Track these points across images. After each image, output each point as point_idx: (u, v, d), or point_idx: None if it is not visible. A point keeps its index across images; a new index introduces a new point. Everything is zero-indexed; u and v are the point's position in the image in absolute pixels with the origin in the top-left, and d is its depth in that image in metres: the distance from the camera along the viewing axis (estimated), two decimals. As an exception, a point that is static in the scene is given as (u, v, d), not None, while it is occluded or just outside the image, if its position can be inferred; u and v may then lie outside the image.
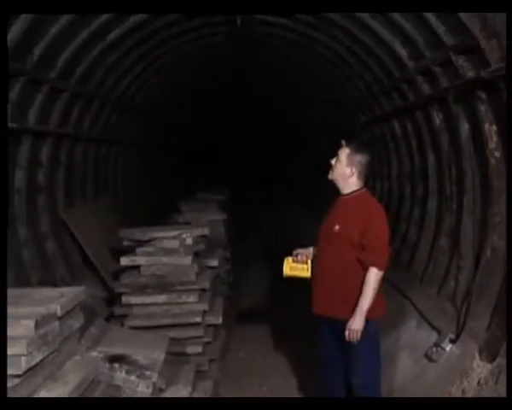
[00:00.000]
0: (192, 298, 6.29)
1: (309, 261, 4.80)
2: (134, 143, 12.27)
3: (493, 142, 5.33)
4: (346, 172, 4.57)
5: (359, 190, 4.63)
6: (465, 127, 5.96)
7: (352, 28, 7.37)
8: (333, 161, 4.64)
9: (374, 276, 4.34)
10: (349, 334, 4.40)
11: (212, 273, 6.96)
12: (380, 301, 4.53)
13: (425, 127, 7.17)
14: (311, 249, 4.90)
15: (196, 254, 6.69)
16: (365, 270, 4.38)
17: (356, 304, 4.40)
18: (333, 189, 4.87)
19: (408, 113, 7.74)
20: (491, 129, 5.33)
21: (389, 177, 9.32)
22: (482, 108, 5.38)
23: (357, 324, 4.36)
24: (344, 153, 4.59)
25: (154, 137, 14.23)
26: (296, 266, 4.75)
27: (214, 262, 7.13)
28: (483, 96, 5.34)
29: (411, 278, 7.22)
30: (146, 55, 8.99)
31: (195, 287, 6.37)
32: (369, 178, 10.66)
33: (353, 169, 4.58)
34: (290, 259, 4.81)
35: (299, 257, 4.83)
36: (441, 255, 6.61)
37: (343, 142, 4.68)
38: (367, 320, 4.42)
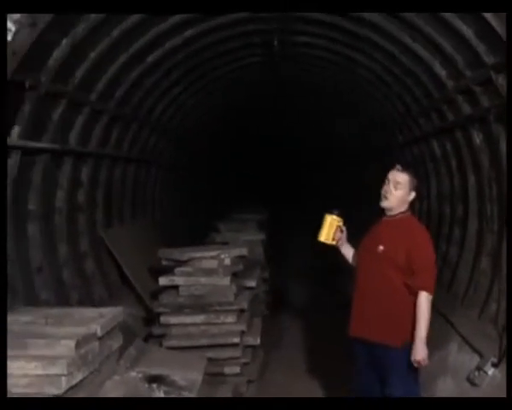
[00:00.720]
0: (230, 319, 6.28)
1: (333, 239, 4.83)
2: (172, 165, 12.38)
3: (535, 161, 5.25)
4: (409, 198, 4.50)
5: (405, 212, 4.52)
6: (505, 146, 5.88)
7: (392, 48, 7.35)
8: (390, 188, 4.45)
9: (425, 300, 4.21)
10: (417, 364, 4.28)
11: (251, 294, 6.94)
12: None
13: (465, 147, 7.09)
14: (351, 250, 4.90)
15: (234, 275, 6.68)
16: (412, 295, 4.27)
17: (398, 328, 4.31)
18: (373, 210, 4.81)
19: (447, 133, 7.67)
20: (533, 148, 5.25)
21: (428, 197, 9.22)
22: (524, 127, 5.30)
23: (420, 353, 4.22)
24: (404, 179, 4.45)
25: (192, 159, 14.33)
26: (331, 228, 4.78)
27: (252, 283, 7.11)
28: (525, 115, 5.27)
29: (452, 299, 7.11)
30: (183, 78, 9.09)
31: (234, 307, 6.36)
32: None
33: (413, 194, 4.51)
34: (339, 222, 4.82)
35: (338, 228, 4.81)
36: (482, 277, 6.50)
37: (399, 167, 4.54)
38: (409, 344, 4.31)
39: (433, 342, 4.59)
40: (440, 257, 8.07)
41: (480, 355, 5.56)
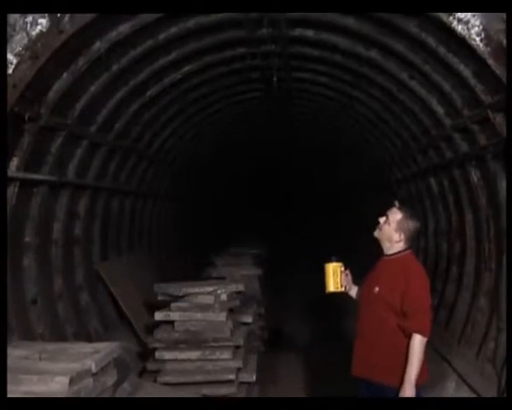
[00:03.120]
0: (226, 355, 6.20)
1: (342, 286, 4.69)
2: (169, 197, 12.39)
3: (533, 200, 5.26)
4: (394, 237, 4.34)
5: (403, 251, 4.39)
6: (503, 185, 5.90)
7: (390, 86, 7.42)
8: (381, 220, 4.42)
9: (418, 343, 4.13)
10: None
11: (247, 330, 6.88)
12: (423, 366, 4.33)
13: (462, 184, 7.11)
14: (355, 288, 4.78)
15: (231, 311, 6.63)
16: (407, 337, 4.21)
17: (395, 369, 4.24)
18: (374, 247, 4.75)
19: (445, 170, 7.70)
20: (530, 187, 5.26)
21: (425, 234, 9.22)
22: (521, 165, 5.33)
23: (407, 394, 4.10)
24: (395, 216, 4.35)
25: (189, 191, 14.35)
26: (337, 276, 4.66)
27: (249, 318, 7.05)
28: (522, 153, 5.29)
29: (449, 338, 7.07)
30: (182, 112, 9.15)
31: (230, 344, 6.29)
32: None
33: (402, 235, 4.33)
34: (342, 267, 4.69)
35: (343, 274, 4.68)
36: (480, 315, 6.47)
37: (396, 202, 4.48)
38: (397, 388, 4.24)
39: (430, 380, 4.53)
40: (437, 295, 8.05)
41: (478, 395, 5.51)
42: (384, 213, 4.43)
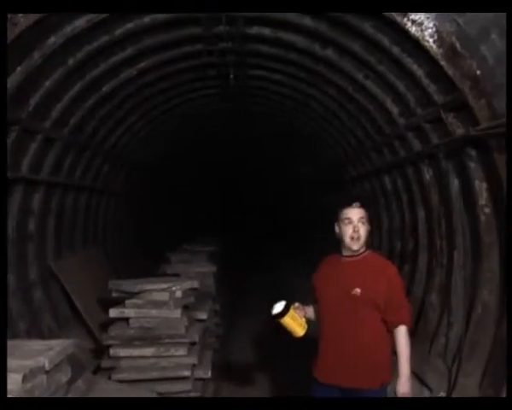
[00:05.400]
0: (181, 351, 6.21)
1: (304, 321, 4.35)
2: (124, 194, 12.29)
3: (483, 198, 5.40)
4: (368, 232, 4.28)
5: (367, 248, 4.32)
6: (455, 183, 6.04)
7: (345, 85, 7.50)
8: (358, 227, 4.18)
9: (406, 334, 4.15)
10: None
11: (202, 326, 6.89)
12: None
13: (415, 183, 7.24)
14: (310, 309, 4.51)
15: (186, 307, 6.63)
16: (389, 332, 4.17)
17: (377, 370, 4.17)
18: (328, 245, 4.67)
19: (398, 168, 7.83)
20: (481, 186, 5.40)
21: (379, 231, 9.35)
22: (472, 164, 5.46)
23: (407, 387, 4.12)
24: (364, 213, 4.25)
25: (145, 188, 14.26)
26: (297, 318, 4.29)
27: (203, 315, 7.06)
28: (472, 153, 5.44)
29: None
30: (138, 108, 9.09)
31: (184, 340, 6.30)
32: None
33: (369, 227, 4.29)
34: (293, 308, 4.33)
35: (298, 311, 4.34)
36: (432, 311, 6.60)
37: (357, 203, 4.27)
38: (384, 385, 4.21)
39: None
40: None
41: (430, 390, 5.63)
42: (348, 217, 4.19)
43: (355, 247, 4.19)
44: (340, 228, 4.25)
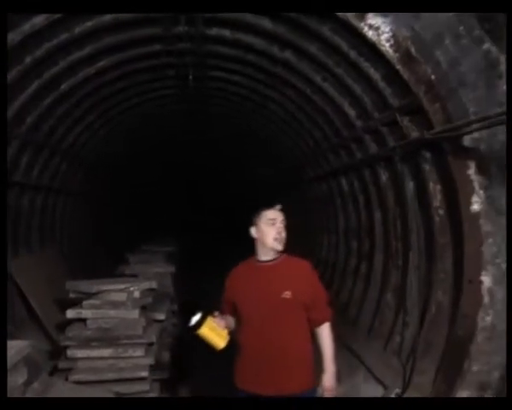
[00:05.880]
0: (138, 352, 6.18)
1: (226, 332, 4.13)
2: (83, 193, 12.17)
3: (437, 200, 5.52)
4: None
5: (283, 252, 4.22)
6: (410, 185, 6.16)
7: (304, 87, 7.57)
8: (281, 228, 4.15)
9: (330, 331, 4.19)
10: (328, 392, 4.10)
11: (160, 327, 6.88)
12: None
13: (372, 184, 7.36)
14: (230, 320, 4.32)
15: (144, 308, 6.61)
16: (311, 330, 4.17)
17: (309, 370, 4.16)
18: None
19: (355, 170, 7.93)
20: (435, 188, 5.52)
21: (336, 232, 9.47)
22: (426, 167, 5.58)
23: (334, 382, 4.10)
24: (284, 217, 4.21)
25: (104, 188, 14.15)
26: (216, 329, 4.06)
27: (161, 316, 7.06)
28: (427, 155, 5.56)
29: (358, 332, 7.29)
30: (96, 107, 9.01)
31: (142, 341, 6.28)
32: (318, 232, 10.89)
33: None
34: (211, 318, 4.10)
35: (217, 321, 4.13)
36: (387, 310, 6.72)
37: (279, 206, 4.24)
38: (315, 386, 4.17)
39: (340, 374, 4.67)
40: (347, 291, 8.29)
41: (384, 386, 5.73)
42: (272, 218, 4.15)
43: (280, 247, 4.13)
44: (260, 230, 4.16)
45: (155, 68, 8.17)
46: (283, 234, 4.14)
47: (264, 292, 4.09)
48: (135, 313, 6.32)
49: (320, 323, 4.19)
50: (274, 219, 4.14)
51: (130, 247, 10.74)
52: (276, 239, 4.11)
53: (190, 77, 8.42)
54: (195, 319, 4.06)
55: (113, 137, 11.32)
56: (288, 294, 4.03)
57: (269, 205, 4.22)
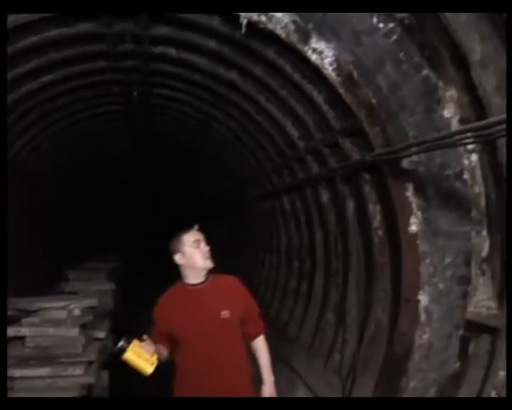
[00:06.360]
0: (78, 371, 6.11)
1: (155, 357, 4.03)
2: (23, 208, 11.92)
3: (377, 221, 5.66)
4: None
5: (209, 273, 4.19)
6: (351, 206, 6.30)
7: (248, 107, 7.64)
8: (206, 247, 4.15)
9: (265, 342, 4.28)
10: None
11: (100, 345, 6.82)
12: None
13: (313, 204, 7.47)
14: (163, 350, 4.22)
15: (84, 326, 6.55)
16: (246, 344, 4.23)
17: (249, 385, 4.19)
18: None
19: (297, 189, 8.04)
20: (375, 209, 5.66)
21: (278, 251, 9.55)
22: (367, 188, 5.72)
23: (274, 391, 4.19)
24: (203, 234, 4.22)
25: (46, 203, 13.89)
26: (143, 354, 3.94)
27: (102, 334, 7.00)
28: (367, 177, 5.69)
29: (298, 351, 7.36)
30: (39, 121, 8.88)
31: (82, 359, 6.22)
32: (260, 251, 10.96)
33: None
34: (138, 342, 3.97)
35: (145, 345, 4.01)
36: (327, 329, 6.81)
37: (197, 226, 4.25)
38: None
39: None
40: (288, 310, 8.37)
41: (324, 405, 5.79)
42: (196, 239, 4.14)
43: (211, 264, 4.11)
44: (187, 255, 4.11)
45: (100, 84, 8.12)
46: (208, 252, 4.13)
47: (201, 316, 4.06)
48: (75, 332, 6.27)
49: (255, 336, 4.28)
50: (198, 240, 4.13)
51: (72, 263, 10.59)
52: (206, 258, 4.10)
53: (135, 94, 8.40)
54: (120, 344, 3.94)
55: (57, 152, 11.16)
56: (226, 313, 4.05)
57: (187, 228, 4.21)
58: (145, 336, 4.07)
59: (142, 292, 15.11)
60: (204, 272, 4.14)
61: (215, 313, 4.04)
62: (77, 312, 6.44)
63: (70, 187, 15.65)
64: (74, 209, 17.50)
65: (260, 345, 4.28)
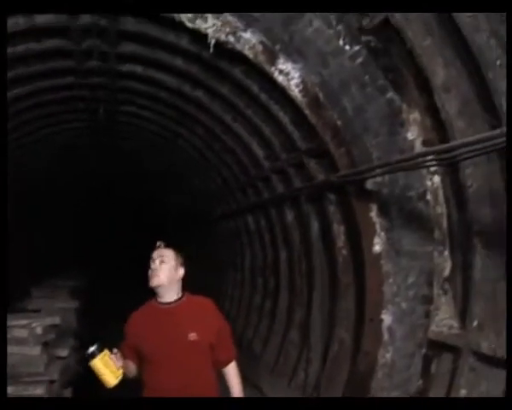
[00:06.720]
0: (40, 390, 6.00)
1: (121, 371, 3.94)
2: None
3: (341, 240, 5.72)
4: (178, 275, 4.12)
5: (184, 293, 4.15)
6: (315, 225, 6.35)
7: (213, 126, 7.67)
8: (155, 265, 4.04)
9: (237, 368, 4.12)
10: None
11: (62, 364, 6.72)
12: None
13: (278, 223, 7.51)
14: (131, 366, 4.13)
15: (46, 344, 6.45)
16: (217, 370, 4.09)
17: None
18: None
19: (262, 208, 8.07)
20: (339, 229, 5.72)
21: (242, 269, 9.56)
22: (331, 208, 5.78)
23: None
24: (169, 253, 4.10)
25: (11, 218, 13.67)
26: (110, 366, 3.90)
27: (64, 352, 6.90)
28: (332, 197, 5.76)
29: (263, 369, 7.36)
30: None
31: (44, 378, 6.11)
32: (224, 268, 10.97)
33: (182, 271, 4.13)
34: (109, 353, 3.91)
35: (114, 358, 3.94)
36: (292, 347, 6.83)
37: (161, 243, 4.19)
38: None
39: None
40: (253, 327, 8.38)
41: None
42: (150, 258, 4.07)
43: (153, 283, 4.00)
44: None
45: (68, 100, 8.07)
46: (158, 270, 4.00)
47: (170, 335, 3.99)
48: (37, 350, 6.17)
49: (226, 363, 4.12)
50: (152, 258, 4.08)
51: (35, 280, 10.44)
52: (151, 277, 4.01)
53: (101, 110, 8.37)
54: (91, 349, 3.88)
55: (22, 167, 11.02)
56: (194, 336, 3.96)
57: (153, 246, 4.16)
58: (115, 350, 3.97)
59: (107, 310, 15.01)
60: (175, 292, 4.07)
61: (183, 335, 3.96)
62: (39, 330, 6.33)
63: (34, 202, 15.45)
64: (38, 225, 17.27)
65: (231, 372, 4.14)
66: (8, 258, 13.98)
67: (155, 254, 4.07)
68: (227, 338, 4.17)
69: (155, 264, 4.00)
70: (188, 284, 4.44)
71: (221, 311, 4.29)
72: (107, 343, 3.97)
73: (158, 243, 4.17)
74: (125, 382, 4.02)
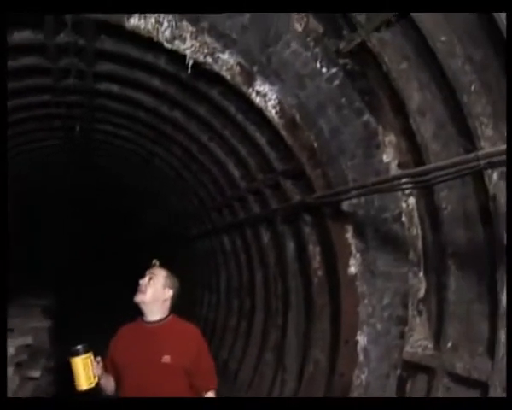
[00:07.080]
0: (10, 411, 5.93)
1: (96, 380, 3.89)
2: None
3: (316, 261, 5.73)
4: (165, 296, 4.09)
5: (170, 315, 4.14)
6: (291, 246, 6.37)
7: (191, 146, 7.67)
8: (145, 281, 4.06)
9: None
10: None
11: (34, 385, 6.62)
12: None
13: (254, 244, 7.51)
14: (111, 381, 4.12)
15: (18, 365, 6.35)
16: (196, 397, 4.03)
17: None
18: None
19: (238, 229, 8.07)
20: (314, 250, 5.74)
21: (218, 290, 9.54)
22: (307, 229, 5.80)
23: None
24: (160, 274, 4.11)
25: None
26: (88, 370, 3.85)
27: (37, 373, 6.79)
28: (308, 218, 5.78)
29: (237, 389, 7.32)
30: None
31: (15, 400, 6.03)
32: (199, 289, 10.92)
33: (170, 292, 4.11)
34: (92, 358, 3.89)
35: (95, 365, 3.89)
36: (267, 368, 6.81)
37: (156, 261, 4.21)
38: None
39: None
40: (228, 348, 8.34)
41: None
42: (144, 274, 4.09)
43: (137, 299, 4.01)
44: None
45: (42, 118, 8.02)
46: (144, 287, 4.01)
47: (144, 355, 3.96)
48: (9, 371, 6.07)
49: (203, 390, 4.05)
50: (144, 275, 4.09)
51: (7, 299, 10.28)
52: (138, 291, 4.02)
53: (77, 128, 8.33)
54: (77, 347, 3.86)
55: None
56: (167, 358, 3.92)
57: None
58: (98, 358, 3.95)
59: (80, 330, 14.85)
60: (160, 312, 4.06)
61: (157, 356, 3.93)
62: (11, 350, 6.24)
63: (13, 219, 15.28)
64: (10, 243, 17.04)
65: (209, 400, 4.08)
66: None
67: (148, 271, 4.10)
68: (205, 367, 4.10)
69: (144, 280, 4.03)
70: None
71: (206, 341, 4.27)
72: (93, 349, 3.91)
73: (153, 262, 4.19)
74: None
